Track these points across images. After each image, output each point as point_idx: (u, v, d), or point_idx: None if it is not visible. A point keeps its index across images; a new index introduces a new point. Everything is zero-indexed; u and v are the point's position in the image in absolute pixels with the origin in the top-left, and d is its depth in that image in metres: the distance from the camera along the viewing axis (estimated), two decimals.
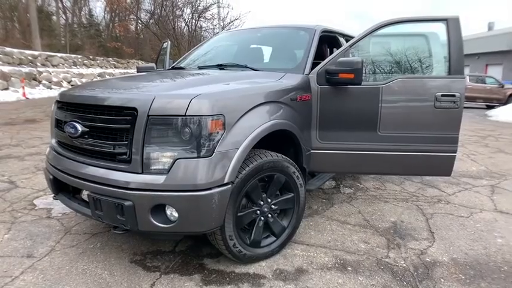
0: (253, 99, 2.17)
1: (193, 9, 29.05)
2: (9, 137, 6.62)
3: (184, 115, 1.83)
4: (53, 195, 2.49)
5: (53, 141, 2.49)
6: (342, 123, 2.77)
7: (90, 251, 2.47)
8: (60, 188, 2.36)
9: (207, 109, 1.86)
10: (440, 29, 2.82)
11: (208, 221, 1.94)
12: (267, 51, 3.41)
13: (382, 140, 2.76)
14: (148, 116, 1.85)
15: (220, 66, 3.08)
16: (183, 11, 30.06)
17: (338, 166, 2.93)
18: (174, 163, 1.84)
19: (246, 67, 2.94)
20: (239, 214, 2.16)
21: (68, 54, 23.45)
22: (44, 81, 17.62)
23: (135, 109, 1.89)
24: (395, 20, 2.77)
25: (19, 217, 3.04)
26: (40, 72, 17.86)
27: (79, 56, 23.93)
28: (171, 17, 29.74)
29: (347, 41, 3.67)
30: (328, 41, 3.84)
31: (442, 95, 2.66)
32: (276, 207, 2.40)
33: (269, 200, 2.35)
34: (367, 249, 2.58)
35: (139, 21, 33.20)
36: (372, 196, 3.73)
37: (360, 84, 2.55)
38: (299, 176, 2.47)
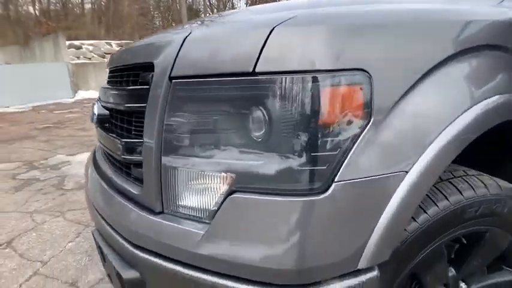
0: (443, 39, 0.80)
1: None
2: None
3: (253, 72, 0.66)
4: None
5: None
6: None
7: None
8: None
9: (318, 53, 0.64)
10: None
11: None
12: None
13: None
14: (170, 78, 0.76)
15: None
16: None
17: None
18: (224, 200, 0.71)
19: None
20: None
21: None
22: None
23: (150, 66, 0.83)
24: None
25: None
26: None
27: None
28: None
29: None
30: None
31: None
32: None
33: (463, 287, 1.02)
34: None
35: None
36: None
37: None
38: None
